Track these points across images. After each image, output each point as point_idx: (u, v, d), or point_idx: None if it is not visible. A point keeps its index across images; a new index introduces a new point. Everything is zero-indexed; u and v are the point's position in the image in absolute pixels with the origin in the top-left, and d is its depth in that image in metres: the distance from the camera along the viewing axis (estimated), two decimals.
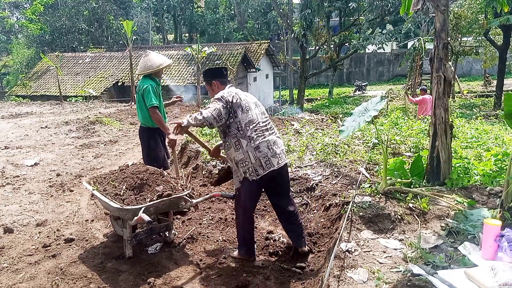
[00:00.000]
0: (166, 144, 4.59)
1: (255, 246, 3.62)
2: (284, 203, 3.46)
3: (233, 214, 4.30)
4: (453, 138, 4.64)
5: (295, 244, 3.49)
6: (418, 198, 3.58)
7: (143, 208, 3.20)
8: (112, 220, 3.84)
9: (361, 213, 3.42)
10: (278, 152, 3.27)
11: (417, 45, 20.61)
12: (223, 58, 22.20)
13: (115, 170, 3.89)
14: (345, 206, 3.71)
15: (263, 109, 3.43)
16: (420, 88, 11.79)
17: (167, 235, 3.80)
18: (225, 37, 41.12)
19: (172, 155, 4.26)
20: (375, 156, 5.36)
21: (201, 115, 3.09)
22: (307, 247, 3.50)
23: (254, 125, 3.22)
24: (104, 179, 3.72)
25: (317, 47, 26.14)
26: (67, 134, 8.59)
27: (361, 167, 4.85)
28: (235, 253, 3.54)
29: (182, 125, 3.15)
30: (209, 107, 3.15)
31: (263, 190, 3.48)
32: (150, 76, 4.44)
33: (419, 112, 10.06)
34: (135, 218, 3.14)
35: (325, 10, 23.64)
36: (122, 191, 3.45)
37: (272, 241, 3.79)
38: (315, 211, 4.26)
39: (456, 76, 23.32)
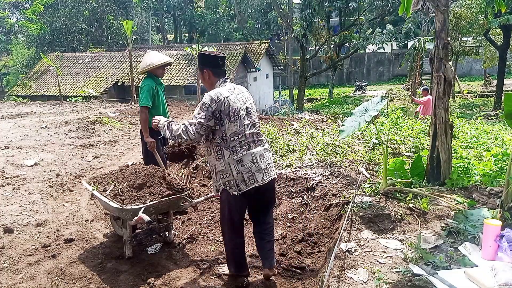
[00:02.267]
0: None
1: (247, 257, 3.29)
2: (261, 217, 3.17)
3: None
4: (453, 138, 4.63)
5: (262, 263, 3.17)
6: (418, 198, 3.58)
7: (143, 208, 3.16)
8: (112, 220, 3.84)
9: (361, 213, 3.41)
10: (263, 167, 2.94)
11: (417, 45, 20.62)
12: None
13: (115, 170, 3.90)
14: (345, 206, 3.70)
15: (255, 115, 3.07)
16: (422, 88, 11.76)
17: (167, 235, 3.78)
18: (225, 37, 41.11)
19: (156, 157, 4.10)
20: (375, 156, 5.36)
21: (186, 134, 2.83)
22: (273, 269, 3.11)
23: (240, 136, 2.89)
24: (104, 179, 3.72)
25: (317, 47, 26.14)
26: (67, 134, 8.59)
27: (361, 167, 4.85)
28: (225, 269, 3.27)
29: (159, 125, 3.02)
30: (194, 122, 2.83)
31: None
32: (151, 76, 4.40)
33: (422, 112, 10.04)
34: (135, 218, 3.12)
35: (325, 10, 23.64)
36: (122, 191, 3.44)
37: None
38: (315, 211, 4.26)
39: (456, 76, 23.32)
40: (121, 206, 3.23)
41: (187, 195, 3.56)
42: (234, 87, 3.02)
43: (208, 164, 3.37)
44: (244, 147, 2.90)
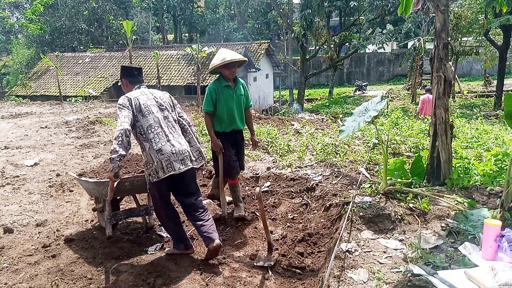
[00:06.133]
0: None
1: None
2: (188, 201, 3.43)
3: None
4: (453, 138, 4.63)
5: (204, 242, 3.38)
6: (418, 198, 3.58)
7: (117, 181, 3.27)
8: (98, 214, 4.03)
9: (361, 213, 3.41)
10: (181, 158, 3.27)
11: (417, 45, 20.63)
12: None
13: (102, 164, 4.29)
14: (345, 206, 3.70)
15: (172, 110, 3.45)
16: (425, 88, 11.83)
17: (148, 220, 3.99)
18: (225, 37, 41.12)
19: (219, 162, 4.14)
20: (375, 156, 5.36)
21: (118, 134, 3.05)
22: (216, 240, 3.31)
23: (156, 128, 3.25)
24: (92, 172, 4.11)
25: (317, 47, 26.14)
26: (67, 134, 8.58)
27: (361, 167, 4.85)
28: (171, 249, 3.51)
29: (114, 170, 3.10)
30: (118, 122, 3.14)
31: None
32: (219, 78, 4.08)
33: (421, 112, 10.08)
34: (109, 188, 3.22)
35: (325, 10, 23.65)
36: (99, 172, 3.98)
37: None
38: (315, 211, 4.26)
39: (456, 76, 23.31)
40: (97, 179, 3.56)
41: None
42: (145, 91, 3.43)
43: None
44: (163, 138, 3.26)
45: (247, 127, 4.47)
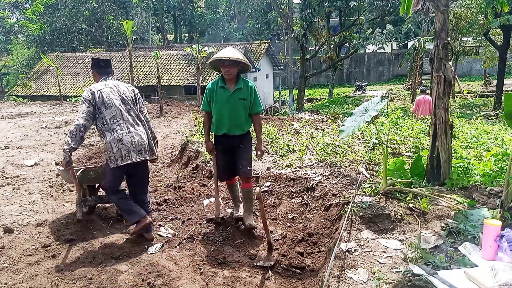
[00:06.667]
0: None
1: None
2: (138, 196, 3.83)
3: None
4: (453, 138, 4.64)
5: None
6: (418, 198, 3.58)
7: (82, 169, 3.85)
8: (76, 207, 4.16)
9: (361, 213, 3.42)
10: (138, 149, 3.62)
11: (417, 45, 20.64)
12: None
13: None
14: (345, 206, 3.70)
15: (133, 104, 3.74)
16: (420, 88, 11.85)
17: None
18: (225, 37, 41.13)
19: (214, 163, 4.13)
20: (375, 156, 5.36)
21: (73, 128, 3.45)
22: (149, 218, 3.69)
23: (118, 119, 3.57)
24: (75, 161, 4.68)
25: (317, 47, 26.15)
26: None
27: (361, 167, 4.85)
28: (132, 227, 3.80)
29: (66, 159, 3.50)
30: (77, 116, 3.50)
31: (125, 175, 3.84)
32: (220, 77, 3.85)
33: (416, 113, 10.12)
34: (73, 178, 3.77)
35: (325, 10, 23.65)
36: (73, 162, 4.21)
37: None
38: (315, 211, 4.26)
39: (456, 76, 23.33)
40: (63, 168, 3.83)
41: None
42: (110, 83, 3.71)
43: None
44: (124, 129, 3.57)
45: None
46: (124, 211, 3.73)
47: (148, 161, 3.91)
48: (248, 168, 3.93)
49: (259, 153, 4.01)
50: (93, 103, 3.53)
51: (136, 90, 3.90)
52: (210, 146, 4.05)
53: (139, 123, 3.74)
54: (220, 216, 4.16)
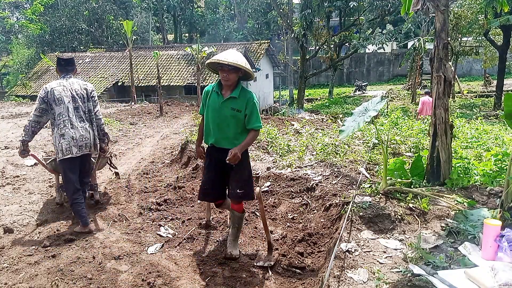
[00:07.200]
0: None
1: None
2: (81, 177, 4.13)
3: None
4: (453, 138, 4.63)
5: (80, 220, 4.01)
6: (418, 198, 3.58)
7: (53, 158, 4.31)
8: (55, 192, 4.53)
9: (361, 213, 3.42)
10: (80, 144, 3.93)
11: (417, 45, 20.64)
12: None
13: None
14: (345, 206, 3.70)
15: (82, 102, 3.99)
16: (425, 91, 11.96)
17: (94, 196, 4.66)
18: (225, 37, 41.13)
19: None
20: (375, 156, 5.36)
21: (26, 123, 3.87)
22: (91, 224, 4.02)
23: (64, 116, 3.86)
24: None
25: (317, 47, 26.14)
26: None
27: (361, 167, 4.85)
28: (78, 227, 4.01)
29: (20, 149, 3.92)
30: (31, 113, 3.87)
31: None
32: (219, 81, 3.44)
33: (421, 113, 10.17)
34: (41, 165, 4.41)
35: (325, 10, 23.65)
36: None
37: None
38: (315, 211, 4.26)
39: (456, 76, 23.32)
40: (43, 157, 4.36)
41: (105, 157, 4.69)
42: (64, 82, 3.98)
43: None
44: (68, 125, 3.86)
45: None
46: (75, 212, 4.02)
47: (97, 154, 4.35)
48: (238, 191, 3.35)
49: (230, 153, 3.22)
50: (46, 101, 3.84)
51: (91, 88, 4.14)
52: (199, 152, 3.67)
53: (85, 120, 4.02)
54: (211, 218, 4.15)
